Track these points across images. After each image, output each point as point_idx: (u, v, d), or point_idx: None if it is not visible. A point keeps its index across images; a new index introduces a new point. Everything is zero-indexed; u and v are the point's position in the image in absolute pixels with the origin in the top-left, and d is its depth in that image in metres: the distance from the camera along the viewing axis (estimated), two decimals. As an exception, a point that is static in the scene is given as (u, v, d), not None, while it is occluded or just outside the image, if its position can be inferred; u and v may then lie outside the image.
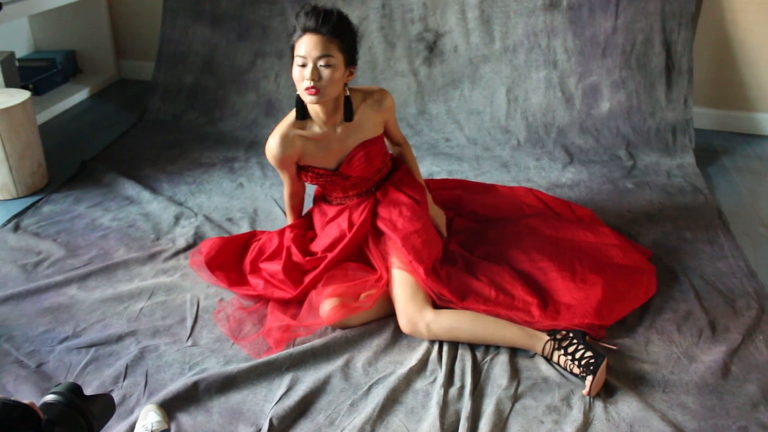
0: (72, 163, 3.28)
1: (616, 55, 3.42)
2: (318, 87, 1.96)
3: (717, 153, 3.44)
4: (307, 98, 2.00)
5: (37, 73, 3.96)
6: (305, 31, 1.95)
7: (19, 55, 4.06)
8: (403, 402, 1.83)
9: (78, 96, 4.06)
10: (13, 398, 0.88)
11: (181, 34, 3.83)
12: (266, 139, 2.19)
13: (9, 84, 3.12)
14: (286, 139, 2.12)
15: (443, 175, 3.11)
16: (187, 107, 3.78)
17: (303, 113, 2.10)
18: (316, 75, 1.96)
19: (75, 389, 0.93)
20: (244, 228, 2.69)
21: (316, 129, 2.13)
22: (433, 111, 3.59)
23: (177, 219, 2.76)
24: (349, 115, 2.10)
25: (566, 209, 2.63)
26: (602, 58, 3.44)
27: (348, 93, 2.09)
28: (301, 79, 1.97)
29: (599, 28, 3.41)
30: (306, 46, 1.95)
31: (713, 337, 2.10)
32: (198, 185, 3.07)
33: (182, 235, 2.63)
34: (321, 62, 1.95)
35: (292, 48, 2.00)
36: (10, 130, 2.83)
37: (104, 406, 1.03)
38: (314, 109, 2.09)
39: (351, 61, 2.04)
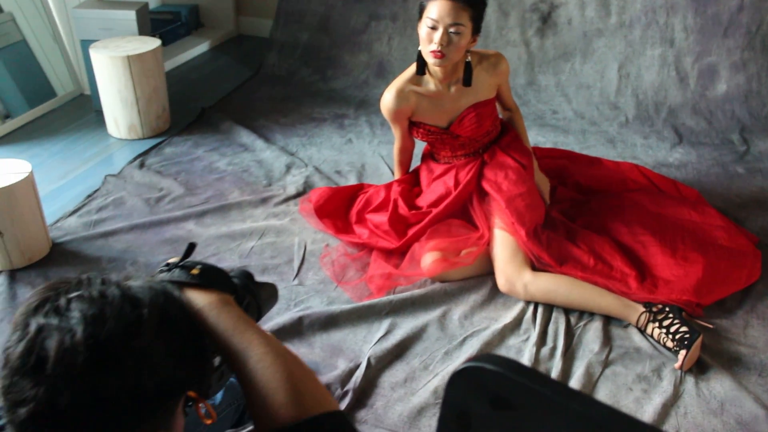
0: (191, 110, 3.47)
1: (739, 35, 3.31)
2: (444, 52, 2.03)
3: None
4: (431, 60, 2.07)
5: (163, 25, 4.18)
6: None
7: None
8: (495, 355, 1.90)
9: (199, 48, 4.27)
10: None
11: (299, -6, 3.97)
12: (378, 98, 2.27)
13: (141, 32, 3.33)
14: (401, 94, 2.20)
15: (548, 146, 3.12)
16: (301, 64, 3.92)
17: (423, 69, 2.16)
18: (445, 40, 2.02)
19: (248, 275, 1.03)
20: (352, 181, 2.80)
21: (431, 86, 2.19)
22: (542, 82, 3.58)
23: (288, 168, 2.89)
24: (468, 81, 2.15)
25: (671, 187, 2.60)
26: (723, 38, 3.33)
27: (469, 58, 2.14)
28: (429, 41, 2.04)
29: (723, 6, 3.30)
30: (439, 10, 2.01)
31: (816, 327, 2.05)
32: (309, 138, 3.20)
33: (293, 183, 2.77)
34: (451, 29, 2.01)
35: (422, 7, 2.06)
36: (142, 74, 3.03)
37: (271, 293, 1.14)
38: (434, 68, 2.15)
39: (477, 29, 2.09)
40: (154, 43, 3.12)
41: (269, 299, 1.15)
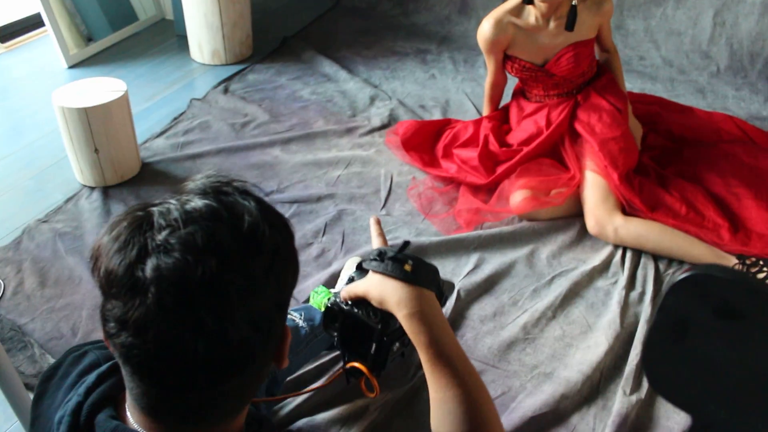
0: (273, 39, 3.47)
1: None
2: None
3: None
4: None
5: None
6: None
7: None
8: (584, 296, 1.90)
9: (279, -24, 4.23)
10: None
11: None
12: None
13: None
14: (499, 24, 2.16)
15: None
16: (382, -3, 3.87)
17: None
18: None
19: (436, 270, 1.01)
20: (437, 116, 2.79)
21: (531, 20, 2.14)
22: (631, 27, 3.47)
23: (372, 100, 2.89)
24: (571, 25, 2.10)
25: (767, 140, 2.53)
26: (831, -13, 3.17)
27: (575, 1, 2.08)
28: None
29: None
30: None
31: None
32: (392, 71, 3.18)
33: (377, 114, 2.76)
34: None
35: None
36: (228, 0, 3.04)
37: (450, 290, 1.13)
38: (539, 2, 2.10)
39: None
40: (241, -33, 3.11)
41: (448, 297, 1.15)
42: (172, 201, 0.68)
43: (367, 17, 3.77)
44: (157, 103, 2.90)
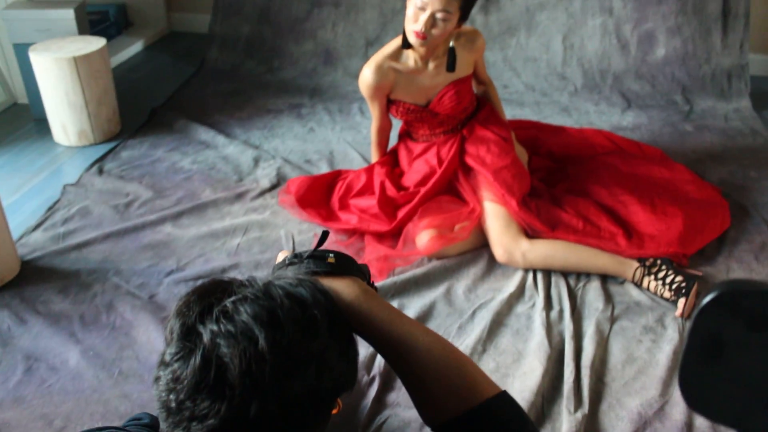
0: (139, 111, 3.35)
1: (672, 1, 3.45)
2: (428, 35, 2.03)
3: (771, 98, 3.50)
4: (412, 39, 2.07)
5: (91, 26, 4.00)
6: None
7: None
8: (508, 324, 1.94)
9: (132, 48, 4.12)
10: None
11: (236, -15, 3.88)
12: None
13: (81, 32, 3.18)
14: (380, 70, 2.19)
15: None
16: (245, 57, 3.84)
17: (408, 43, 2.14)
18: (430, 24, 2.01)
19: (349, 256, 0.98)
20: (323, 169, 2.78)
21: (411, 63, 2.19)
22: (490, 58, 3.64)
23: (256, 161, 2.84)
24: (452, 66, 2.16)
25: (636, 148, 2.71)
26: (658, 5, 3.48)
27: (452, 43, 2.14)
28: (414, 20, 2.03)
29: (656, -26, 3.45)
30: None
31: (791, 266, 2.19)
32: (270, 130, 3.15)
33: (265, 176, 2.72)
34: (439, 14, 2.00)
35: None
36: (90, 76, 2.90)
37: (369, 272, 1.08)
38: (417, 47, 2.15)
39: (465, 17, 2.09)
40: (98, 42, 2.99)
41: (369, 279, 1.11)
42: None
43: (233, 78, 3.73)
44: (26, 194, 2.70)
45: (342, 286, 0.89)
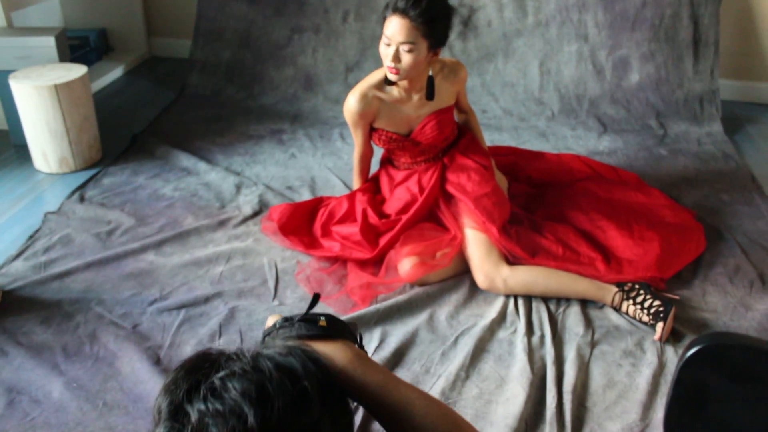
0: (120, 138, 3.35)
1: (645, 28, 3.54)
2: (398, 68, 2.07)
3: (742, 122, 3.59)
4: (389, 75, 2.11)
5: (71, 52, 4.00)
6: (394, 11, 2.03)
7: (52, 33, 4.11)
8: (490, 350, 1.96)
9: (113, 74, 4.12)
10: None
11: (217, 11, 3.90)
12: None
13: (62, 59, 3.19)
14: (364, 98, 2.22)
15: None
16: (226, 82, 3.86)
17: (389, 81, 2.19)
18: (396, 59, 2.06)
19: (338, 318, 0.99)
20: (306, 195, 2.79)
21: (395, 93, 2.23)
22: (469, 84, 3.69)
23: (238, 188, 2.85)
24: (431, 95, 2.20)
25: (612, 173, 2.76)
26: (632, 32, 3.56)
27: (431, 72, 2.18)
28: (385, 56, 2.08)
29: (629, 3, 3.53)
30: (392, 28, 2.04)
31: (764, 287, 2.24)
32: (251, 156, 3.17)
33: (247, 203, 2.73)
34: (403, 47, 2.04)
35: (384, 20, 2.09)
36: (71, 103, 2.91)
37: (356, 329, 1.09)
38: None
39: (437, 44, 2.11)
40: (79, 69, 2.99)
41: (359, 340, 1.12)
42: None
43: (214, 104, 3.74)
44: (5, 222, 2.69)
45: (334, 351, 0.88)
